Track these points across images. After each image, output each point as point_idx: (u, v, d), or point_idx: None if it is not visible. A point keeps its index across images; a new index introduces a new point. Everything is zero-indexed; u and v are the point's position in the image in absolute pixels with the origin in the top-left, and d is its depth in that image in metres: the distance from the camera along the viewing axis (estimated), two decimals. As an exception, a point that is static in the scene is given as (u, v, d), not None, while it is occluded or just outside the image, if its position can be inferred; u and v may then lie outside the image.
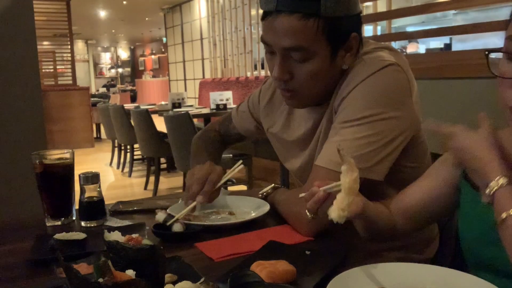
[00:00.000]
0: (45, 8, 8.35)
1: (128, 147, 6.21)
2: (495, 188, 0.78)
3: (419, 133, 1.17)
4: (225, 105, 5.29)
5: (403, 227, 1.04)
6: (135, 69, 22.86)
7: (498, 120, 0.87)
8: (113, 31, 17.98)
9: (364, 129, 1.05)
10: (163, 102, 7.00)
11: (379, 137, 1.05)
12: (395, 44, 6.14)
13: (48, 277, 0.87)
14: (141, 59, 22.19)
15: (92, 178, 1.20)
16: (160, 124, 4.86)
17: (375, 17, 3.32)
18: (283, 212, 1.19)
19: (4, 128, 2.49)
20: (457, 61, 2.55)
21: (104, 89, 18.48)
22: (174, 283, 0.73)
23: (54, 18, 8.64)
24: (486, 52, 0.85)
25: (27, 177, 1.55)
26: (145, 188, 5.35)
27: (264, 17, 1.10)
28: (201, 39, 9.01)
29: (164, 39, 13.56)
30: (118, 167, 6.62)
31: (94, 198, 1.21)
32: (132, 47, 23.17)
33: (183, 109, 5.53)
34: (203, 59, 9.04)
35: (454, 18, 7.15)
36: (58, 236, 1.00)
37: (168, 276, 0.78)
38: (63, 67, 9.25)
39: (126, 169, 6.32)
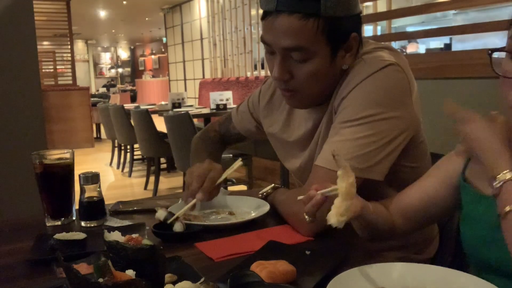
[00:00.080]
0: (45, 8, 8.35)
1: (128, 147, 6.21)
2: (503, 181, 0.78)
3: (419, 133, 1.17)
4: (225, 105, 5.29)
5: (402, 227, 1.04)
6: (135, 69, 22.86)
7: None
8: (113, 31, 17.98)
9: (364, 129, 1.05)
10: (163, 102, 7.00)
11: (379, 137, 1.05)
12: (395, 44, 6.14)
13: (48, 277, 0.87)
14: (141, 59, 22.19)
15: (92, 178, 1.20)
16: (160, 124, 4.86)
17: (375, 17, 3.32)
18: (283, 212, 1.19)
19: (4, 128, 2.49)
20: (457, 61, 2.55)
21: (104, 89, 18.48)
22: (174, 283, 0.73)
23: (54, 18, 8.64)
24: (489, 52, 0.85)
25: (27, 177, 1.55)
26: (145, 188, 5.35)
27: (264, 17, 1.10)
28: (201, 39, 9.01)
29: (164, 39, 13.56)
30: (118, 167, 6.62)
31: (94, 198, 1.21)
32: (132, 47, 23.18)
33: (183, 109, 5.53)
34: (203, 59, 9.04)
35: (454, 18, 7.15)
36: (58, 236, 1.00)
37: (168, 276, 0.78)
38: (63, 67, 9.25)
39: (126, 169, 6.32)
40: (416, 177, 1.06)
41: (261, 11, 1.12)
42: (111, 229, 0.82)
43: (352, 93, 1.09)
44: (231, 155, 3.79)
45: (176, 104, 6.26)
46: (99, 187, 1.22)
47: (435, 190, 1.00)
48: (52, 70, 9.04)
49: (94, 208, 1.21)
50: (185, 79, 10.19)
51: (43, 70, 8.57)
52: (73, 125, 8.44)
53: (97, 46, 21.85)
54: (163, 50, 18.49)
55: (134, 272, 0.69)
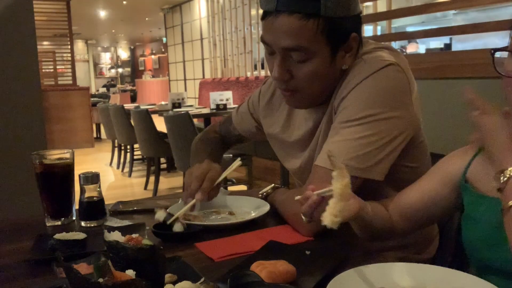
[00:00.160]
0: (45, 8, 8.35)
1: (128, 147, 6.21)
2: (509, 176, 0.78)
3: (419, 133, 1.17)
4: (225, 105, 5.28)
5: (401, 227, 1.04)
6: (135, 69, 22.86)
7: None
8: (113, 31, 17.98)
9: (364, 129, 1.05)
10: (163, 102, 7.00)
11: (379, 137, 1.05)
12: (395, 44, 6.14)
13: (48, 277, 0.87)
14: (141, 59, 22.19)
15: (92, 178, 1.20)
16: (160, 124, 4.86)
17: (375, 17, 3.32)
18: (283, 212, 1.19)
19: (4, 128, 2.49)
20: (457, 61, 2.56)
21: (104, 89, 18.48)
22: (174, 283, 0.73)
23: (54, 18, 8.63)
24: (492, 51, 0.85)
25: (27, 177, 1.55)
26: (145, 188, 5.35)
27: (264, 17, 1.10)
28: (201, 39, 9.02)
29: (164, 39, 13.56)
30: (118, 167, 6.62)
31: (94, 198, 1.21)
32: (132, 47, 23.18)
33: (183, 109, 5.53)
34: (203, 59, 9.04)
35: (454, 18, 7.15)
36: (58, 236, 1.00)
37: (168, 276, 0.77)
38: (63, 67, 9.25)
39: (126, 169, 6.32)
40: (416, 177, 1.06)
41: (261, 11, 1.12)
42: (111, 229, 0.82)
43: (352, 93, 1.09)
44: (231, 155, 3.79)
45: (176, 104, 6.26)
46: (99, 187, 1.22)
47: (435, 189, 1.00)
48: (52, 70, 9.04)
49: (94, 208, 1.21)
50: (185, 79, 10.19)
51: (43, 70, 8.57)
52: (73, 125, 8.44)
53: (97, 46, 21.85)
54: (163, 50, 18.49)
55: (134, 272, 0.69)
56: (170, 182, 5.74)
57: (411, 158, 1.16)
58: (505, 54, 0.86)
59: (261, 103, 1.40)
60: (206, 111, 5.40)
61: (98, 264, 0.66)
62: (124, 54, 23.28)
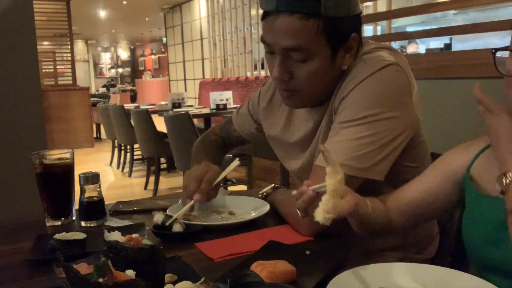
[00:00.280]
0: (45, 8, 8.34)
1: (128, 147, 6.21)
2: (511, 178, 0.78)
3: (419, 133, 1.17)
4: (225, 105, 5.28)
5: (399, 223, 1.03)
6: (135, 69, 22.86)
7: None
8: (113, 31, 17.98)
9: (364, 129, 1.05)
10: (163, 102, 7.00)
11: (379, 137, 1.05)
12: (395, 44, 6.14)
13: (48, 277, 0.87)
14: (141, 59, 22.19)
15: (92, 178, 1.20)
16: (160, 124, 4.86)
17: (375, 17, 3.32)
18: (283, 212, 1.19)
19: (4, 128, 2.49)
20: (457, 61, 2.56)
21: (104, 89, 18.46)
22: (174, 283, 0.73)
23: (54, 18, 8.63)
24: (493, 51, 0.84)
25: (27, 177, 1.55)
26: (145, 188, 5.35)
27: (264, 17, 1.10)
28: (201, 39, 9.02)
29: (164, 39, 13.56)
30: (118, 167, 6.62)
31: (94, 198, 1.21)
32: (132, 47, 23.17)
33: (183, 109, 5.53)
34: (203, 59, 9.05)
35: (454, 18, 7.15)
36: (58, 236, 1.00)
37: (168, 276, 0.78)
38: (63, 67, 9.25)
39: (126, 169, 6.32)
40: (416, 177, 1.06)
41: (261, 11, 1.12)
42: (111, 229, 0.82)
43: (352, 93, 1.09)
44: (230, 155, 3.79)
45: (176, 104, 6.25)
46: (99, 187, 1.22)
47: (437, 184, 0.99)
48: (52, 70, 9.04)
49: (94, 208, 1.21)
50: (185, 79, 10.19)
51: (43, 70, 8.57)
52: (73, 125, 8.44)
53: (97, 46, 21.85)
54: (163, 50, 18.49)
55: (134, 272, 0.69)
56: (170, 182, 5.74)
57: (411, 158, 1.16)
58: (506, 53, 0.85)
59: (261, 105, 1.40)
60: (206, 111, 5.40)
61: (98, 264, 0.66)
62: (124, 54, 23.28)
